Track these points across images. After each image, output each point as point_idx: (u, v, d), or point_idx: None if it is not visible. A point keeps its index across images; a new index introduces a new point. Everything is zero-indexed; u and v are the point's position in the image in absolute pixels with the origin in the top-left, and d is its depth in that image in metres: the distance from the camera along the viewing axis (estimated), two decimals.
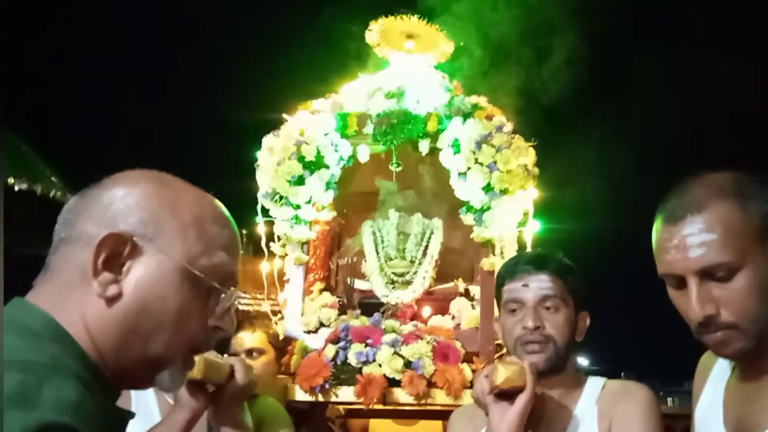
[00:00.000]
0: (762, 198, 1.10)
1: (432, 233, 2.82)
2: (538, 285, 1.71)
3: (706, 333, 1.09)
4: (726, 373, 1.23)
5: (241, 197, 2.75)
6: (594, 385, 1.76)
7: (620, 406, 1.66)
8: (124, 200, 0.82)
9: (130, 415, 0.84)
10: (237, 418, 1.56)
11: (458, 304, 2.67)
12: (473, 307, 2.64)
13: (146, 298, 0.80)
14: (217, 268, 0.85)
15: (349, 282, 2.85)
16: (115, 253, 0.79)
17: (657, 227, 1.15)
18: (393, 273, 2.75)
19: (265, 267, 2.62)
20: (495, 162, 2.45)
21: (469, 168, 2.48)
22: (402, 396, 2.29)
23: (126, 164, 0.90)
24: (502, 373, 1.55)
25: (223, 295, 0.86)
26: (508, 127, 2.55)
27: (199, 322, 0.84)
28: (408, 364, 2.28)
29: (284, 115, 2.78)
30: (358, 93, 2.82)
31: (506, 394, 1.60)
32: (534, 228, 2.69)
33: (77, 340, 0.77)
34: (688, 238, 1.07)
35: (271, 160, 2.59)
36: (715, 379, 1.26)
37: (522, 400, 1.57)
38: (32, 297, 0.80)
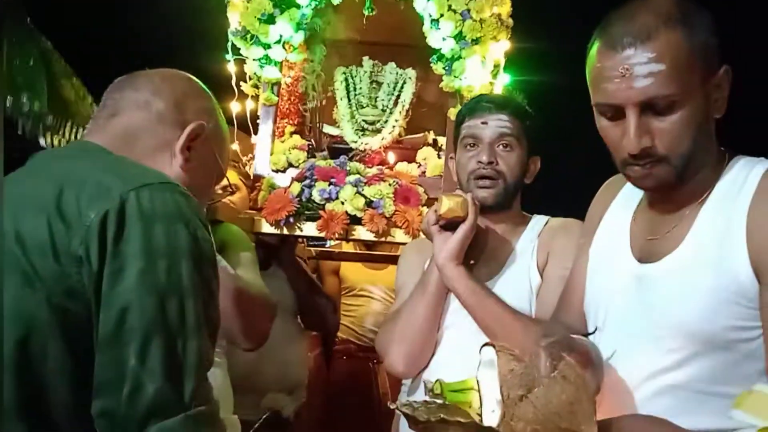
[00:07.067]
0: (704, 27, 1.07)
1: (405, 83, 2.82)
2: (496, 123, 1.77)
3: (636, 165, 1.10)
4: (633, 202, 1.27)
5: (211, 34, 2.70)
6: (538, 222, 1.88)
7: (557, 239, 1.78)
8: (187, 94, 1.22)
9: None
10: None
11: (425, 153, 2.74)
12: (439, 156, 2.71)
13: (202, 163, 1.22)
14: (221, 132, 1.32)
15: (318, 126, 2.89)
16: (192, 137, 1.20)
17: (596, 53, 1.09)
18: (363, 120, 2.79)
19: (234, 107, 2.64)
20: (468, 10, 2.42)
21: (441, 15, 2.44)
22: (363, 233, 2.42)
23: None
24: (446, 204, 1.66)
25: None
26: None
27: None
28: (369, 203, 2.39)
29: None
30: None
31: (451, 226, 1.72)
32: (504, 81, 2.71)
33: None
34: (635, 68, 1.03)
35: None
36: (621, 206, 1.32)
37: (462, 229, 1.69)
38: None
